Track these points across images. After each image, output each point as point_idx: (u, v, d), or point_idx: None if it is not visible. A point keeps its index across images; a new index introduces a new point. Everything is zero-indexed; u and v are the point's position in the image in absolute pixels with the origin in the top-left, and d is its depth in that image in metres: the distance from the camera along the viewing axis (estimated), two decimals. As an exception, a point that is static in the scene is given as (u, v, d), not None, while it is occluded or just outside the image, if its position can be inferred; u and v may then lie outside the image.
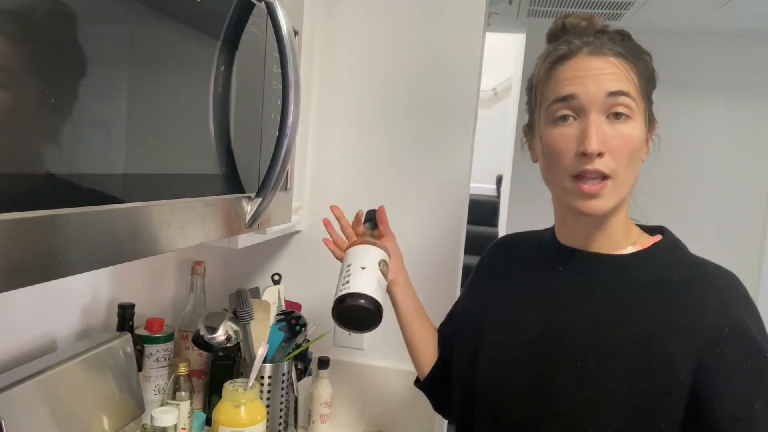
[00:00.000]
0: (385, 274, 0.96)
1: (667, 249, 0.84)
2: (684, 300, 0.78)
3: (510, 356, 0.88)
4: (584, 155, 0.76)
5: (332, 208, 1.09)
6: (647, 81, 0.82)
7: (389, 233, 1.09)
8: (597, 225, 0.84)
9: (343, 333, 1.41)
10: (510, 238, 1.05)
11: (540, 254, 0.93)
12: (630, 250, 0.84)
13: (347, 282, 0.91)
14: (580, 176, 0.77)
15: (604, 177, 0.77)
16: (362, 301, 0.88)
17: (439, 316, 1.39)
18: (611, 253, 0.84)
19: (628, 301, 0.80)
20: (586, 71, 0.78)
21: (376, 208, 1.08)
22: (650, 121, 0.83)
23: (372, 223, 1.08)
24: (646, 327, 0.77)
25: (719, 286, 0.79)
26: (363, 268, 0.93)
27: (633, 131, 0.77)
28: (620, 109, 0.77)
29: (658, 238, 0.86)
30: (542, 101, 0.83)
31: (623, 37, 0.83)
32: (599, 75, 0.77)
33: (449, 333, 1.05)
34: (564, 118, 0.79)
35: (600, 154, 0.76)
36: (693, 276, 0.80)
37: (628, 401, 0.76)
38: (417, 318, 1.08)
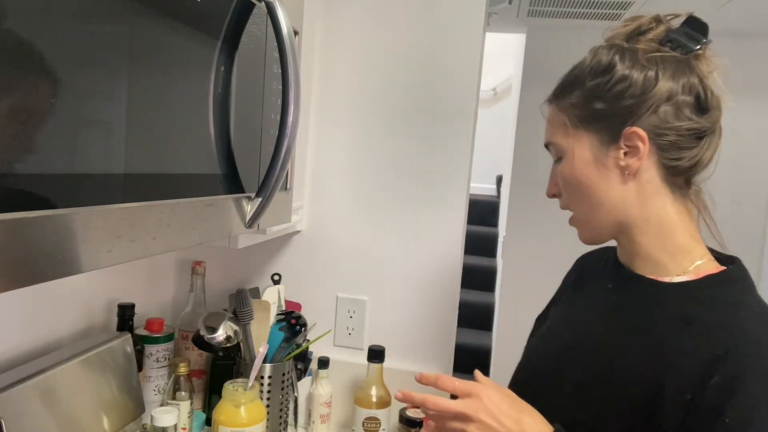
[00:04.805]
0: None
1: (720, 284, 0.77)
2: (691, 341, 0.72)
3: (533, 363, 0.91)
4: None
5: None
6: (587, 104, 0.80)
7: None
8: (626, 247, 0.84)
9: (343, 333, 1.42)
10: (587, 254, 1.04)
11: (602, 270, 0.92)
12: (681, 278, 0.79)
13: None
14: None
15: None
16: None
17: (439, 316, 1.40)
18: (657, 278, 0.81)
19: (641, 331, 0.77)
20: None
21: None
22: (611, 139, 0.79)
23: (379, 359, 1.27)
24: (646, 362, 0.74)
25: (737, 336, 0.70)
26: None
27: (565, 168, 0.84)
28: (556, 154, 0.86)
29: (718, 269, 0.79)
30: None
31: (574, 68, 0.84)
32: (546, 128, 0.88)
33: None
34: None
35: (555, 195, 0.88)
36: (716, 318, 0.73)
37: (612, 427, 0.75)
38: None
